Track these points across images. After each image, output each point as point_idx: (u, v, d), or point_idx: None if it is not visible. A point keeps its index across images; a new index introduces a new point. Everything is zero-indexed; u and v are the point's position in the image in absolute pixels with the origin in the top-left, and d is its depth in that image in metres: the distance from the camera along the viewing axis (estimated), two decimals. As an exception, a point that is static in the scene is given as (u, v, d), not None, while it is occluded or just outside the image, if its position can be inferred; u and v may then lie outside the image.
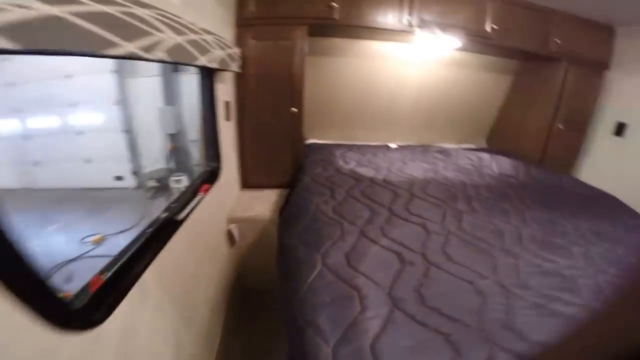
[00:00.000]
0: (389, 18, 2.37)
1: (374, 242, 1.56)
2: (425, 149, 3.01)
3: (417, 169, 2.49)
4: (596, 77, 2.94)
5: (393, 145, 3.05)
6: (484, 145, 3.55)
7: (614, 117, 2.87)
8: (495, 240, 1.61)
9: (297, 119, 2.48)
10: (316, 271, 1.38)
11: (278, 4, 2.27)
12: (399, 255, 1.47)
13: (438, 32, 2.38)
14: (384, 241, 1.57)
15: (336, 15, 2.27)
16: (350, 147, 2.83)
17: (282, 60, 2.36)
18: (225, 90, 2.14)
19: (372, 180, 2.22)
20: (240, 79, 2.35)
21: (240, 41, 2.27)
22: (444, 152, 2.93)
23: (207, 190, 1.74)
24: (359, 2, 2.32)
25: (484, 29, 2.53)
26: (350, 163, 2.48)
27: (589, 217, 1.89)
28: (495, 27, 2.52)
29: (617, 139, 2.85)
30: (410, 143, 3.24)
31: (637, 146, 2.72)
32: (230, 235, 2.26)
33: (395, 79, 2.94)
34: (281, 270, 1.64)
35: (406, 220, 1.77)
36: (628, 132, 2.79)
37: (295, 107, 2.44)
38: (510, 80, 3.22)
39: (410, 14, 2.38)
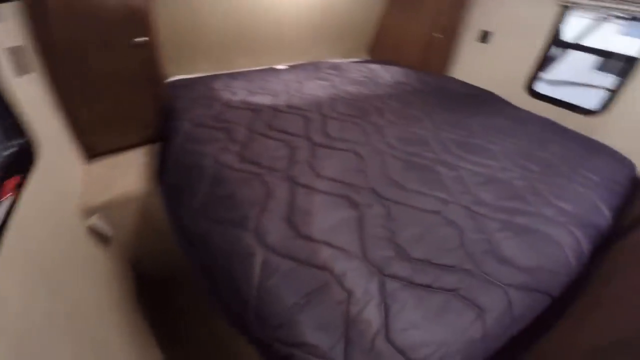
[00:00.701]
0: None
1: (311, 187, 1.19)
2: (315, 66, 2.60)
3: (316, 88, 2.11)
4: None
5: (281, 67, 2.54)
6: (367, 58, 3.34)
7: (479, 26, 3.04)
8: (425, 151, 1.54)
9: (150, 51, 1.69)
10: (259, 262, 0.92)
11: None
12: (348, 199, 1.17)
13: None
14: (322, 184, 1.22)
15: None
16: (232, 76, 2.20)
17: None
18: (7, 32, 1.24)
19: (274, 108, 1.75)
20: (37, 12, 1.40)
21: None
22: (335, 67, 2.59)
23: (18, 187, 0.97)
24: None
25: None
26: (239, 93, 1.91)
27: (484, 113, 2.05)
28: None
29: (482, 45, 3.06)
30: (297, 62, 2.75)
31: (498, 51, 2.96)
32: (96, 233, 1.50)
33: None
34: (200, 269, 1.09)
35: (332, 147, 1.46)
36: (491, 39, 2.99)
37: (144, 36, 1.63)
38: None
39: None
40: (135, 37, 1.61)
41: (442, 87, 2.50)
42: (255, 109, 1.70)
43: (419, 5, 2.87)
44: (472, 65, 3.18)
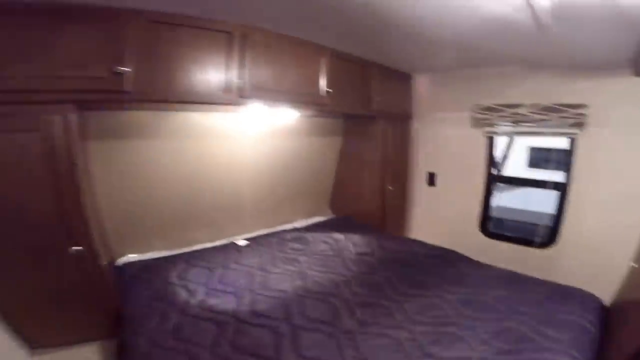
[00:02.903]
0: (211, 87, 1.96)
1: None
2: (279, 239, 2.76)
3: (284, 279, 2.20)
4: (407, 130, 3.54)
5: (242, 242, 2.65)
6: (329, 213, 3.63)
7: (425, 168, 3.55)
8: (403, 360, 1.55)
9: (90, 260, 1.80)
10: None
11: (7, 64, 1.44)
12: None
13: (273, 102, 2.25)
14: None
15: (128, 87, 1.67)
16: (189, 261, 2.25)
17: (31, 167, 1.56)
18: None
19: (237, 318, 1.76)
20: None
21: None
22: (299, 239, 2.77)
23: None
24: (165, 62, 1.80)
25: (320, 95, 2.52)
26: (197, 291, 1.94)
27: (451, 284, 2.20)
28: (330, 90, 2.55)
29: (431, 188, 3.53)
30: (260, 232, 2.92)
31: (447, 192, 3.41)
32: None
33: (228, 158, 2.59)
34: None
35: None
36: (438, 180, 3.48)
37: (81, 244, 1.73)
38: (340, 142, 3.44)
39: (240, 78, 2.05)
40: (70, 247, 1.70)
41: (405, 253, 2.70)
42: (218, 320, 1.71)
43: (367, 152, 3.28)
44: (427, 211, 3.56)
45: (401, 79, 3.40)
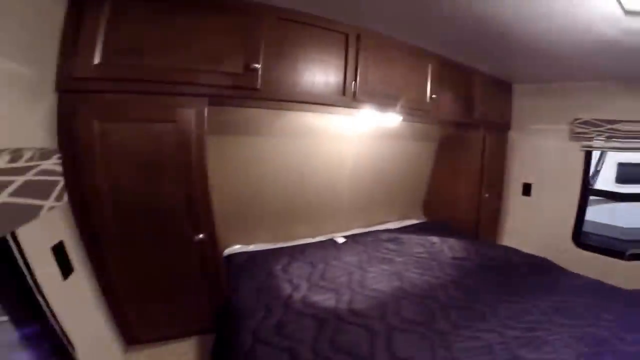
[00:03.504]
0: (329, 89, 2.01)
1: None
2: (375, 238, 2.78)
3: (381, 279, 2.19)
4: (504, 139, 3.45)
5: (340, 240, 2.72)
6: (422, 217, 3.61)
7: (520, 178, 3.50)
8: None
9: (210, 247, 1.90)
10: None
11: (147, 54, 1.51)
12: None
13: (383, 108, 2.28)
14: None
15: (259, 84, 1.75)
16: (292, 255, 2.34)
17: (164, 156, 1.65)
18: (49, 229, 1.36)
19: (337, 316, 1.78)
20: (84, 202, 1.53)
21: (68, 123, 1.42)
22: (394, 240, 2.76)
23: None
24: (290, 61, 1.86)
25: (426, 101, 2.49)
26: (300, 286, 1.99)
27: (544, 292, 2.20)
28: (435, 97, 2.50)
29: (526, 198, 3.48)
30: (356, 230, 2.98)
31: (541, 203, 3.36)
32: None
33: (332, 158, 2.67)
34: None
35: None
36: (533, 191, 3.42)
37: (204, 232, 1.82)
38: (436, 147, 3.41)
39: (354, 81, 2.08)
40: (196, 235, 1.79)
41: (500, 259, 2.69)
42: (319, 317, 1.75)
43: (465, 160, 3.26)
44: (520, 220, 3.57)
45: (502, 87, 3.32)
